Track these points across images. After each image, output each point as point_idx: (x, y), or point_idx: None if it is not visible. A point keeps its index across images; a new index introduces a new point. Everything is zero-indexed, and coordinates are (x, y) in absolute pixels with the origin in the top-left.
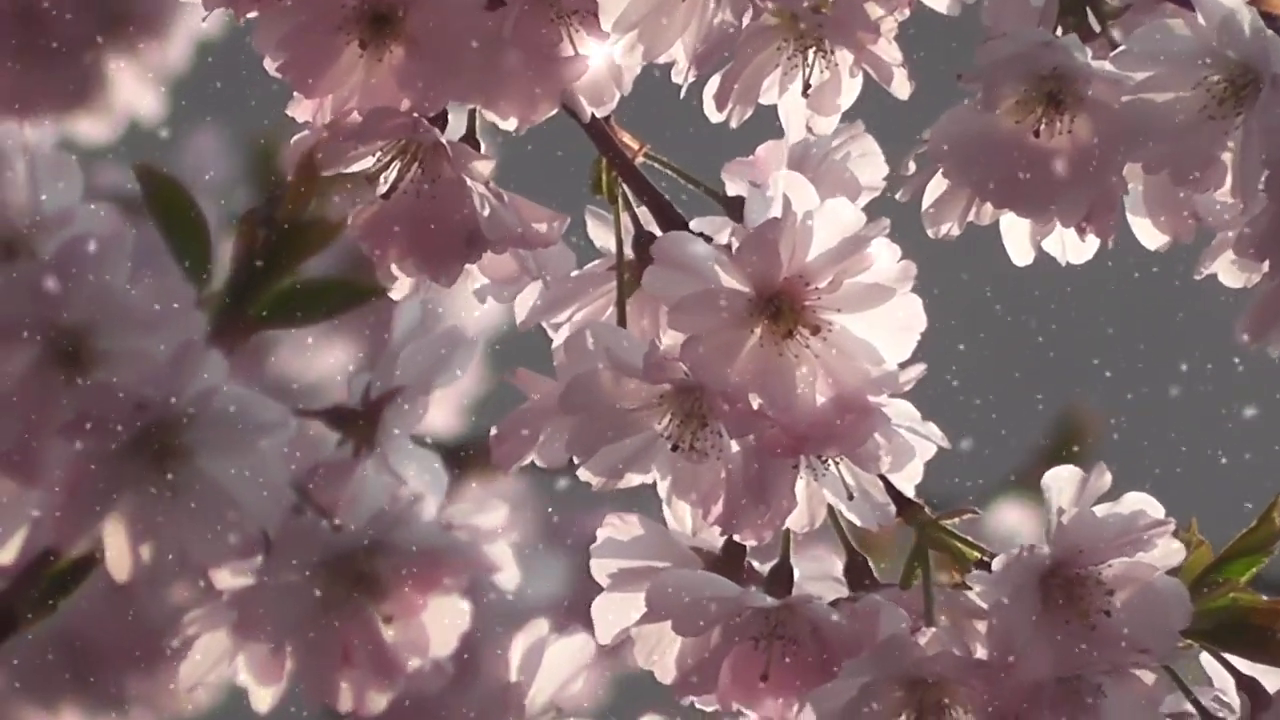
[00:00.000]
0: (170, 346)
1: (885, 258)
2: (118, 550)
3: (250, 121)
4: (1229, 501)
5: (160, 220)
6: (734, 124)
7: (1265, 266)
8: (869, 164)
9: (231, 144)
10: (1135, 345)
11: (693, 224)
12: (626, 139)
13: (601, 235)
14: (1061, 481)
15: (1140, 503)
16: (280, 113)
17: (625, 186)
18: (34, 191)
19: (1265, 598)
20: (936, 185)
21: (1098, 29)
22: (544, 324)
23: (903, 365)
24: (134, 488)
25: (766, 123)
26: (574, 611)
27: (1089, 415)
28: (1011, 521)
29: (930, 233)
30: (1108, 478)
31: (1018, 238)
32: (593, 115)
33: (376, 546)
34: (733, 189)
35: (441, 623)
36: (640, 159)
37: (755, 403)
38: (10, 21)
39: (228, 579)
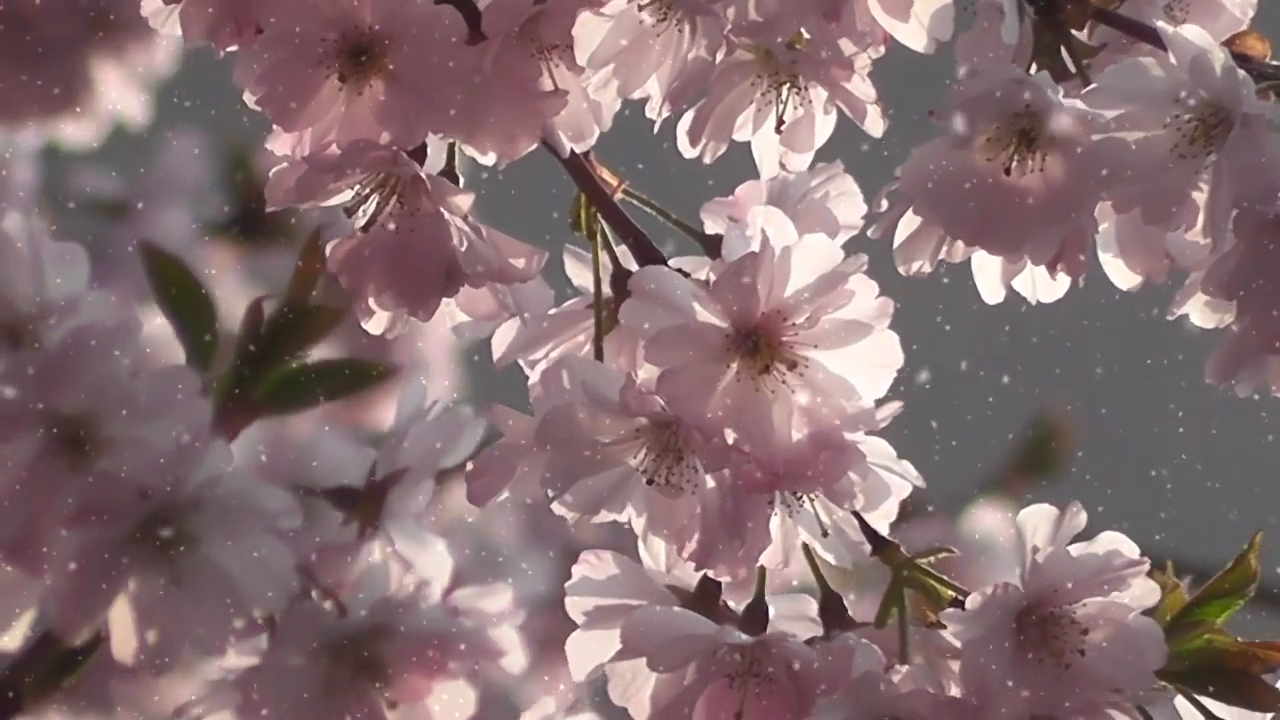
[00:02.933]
0: (175, 434)
1: (863, 294)
2: (123, 634)
3: (235, 124)
4: (1202, 505)
5: (167, 304)
6: (708, 160)
7: (1233, 306)
8: (847, 203)
9: (212, 149)
10: (1110, 349)
11: (671, 263)
12: (606, 175)
13: (580, 274)
14: (1036, 520)
15: (1115, 542)
16: (262, 119)
17: (604, 223)
18: (39, 278)
19: (1240, 640)
20: (908, 222)
21: (1073, 68)
22: (521, 361)
23: (879, 402)
24: (139, 574)
25: (748, 162)
26: (559, 609)
27: (1064, 419)
28: (987, 526)
29: (901, 270)
30: (1083, 517)
31: (989, 276)
32: (572, 151)
33: (381, 631)
34: (711, 228)
35: (446, 707)
36: (619, 195)
37: (731, 438)
38: None
39: (232, 659)
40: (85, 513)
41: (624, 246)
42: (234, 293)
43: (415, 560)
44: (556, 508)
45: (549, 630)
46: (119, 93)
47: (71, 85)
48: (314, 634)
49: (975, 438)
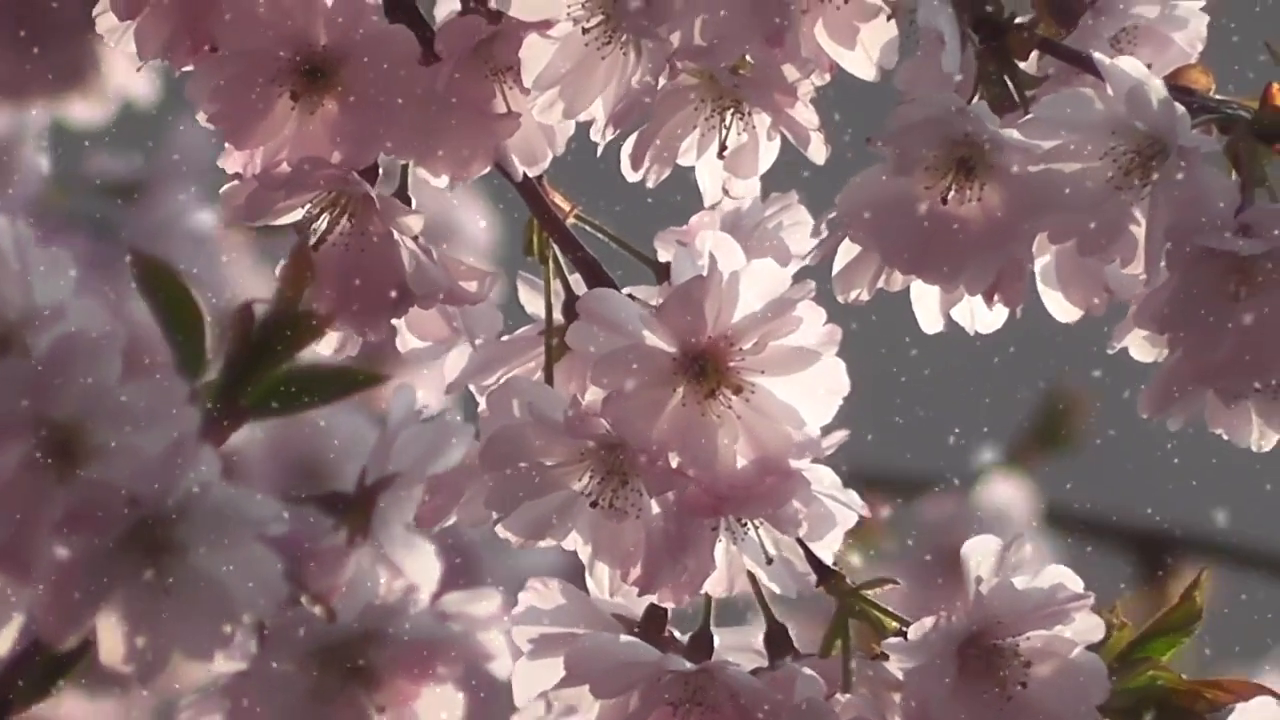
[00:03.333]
0: (163, 442)
1: (811, 321)
2: (110, 641)
3: None
4: (1213, 482)
5: (156, 309)
6: (651, 183)
7: (1165, 339)
8: (800, 232)
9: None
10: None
11: (624, 290)
12: (558, 199)
13: (532, 301)
14: (981, 552)
15: (1059, 576)
16: None
17: (556, 247)
18: (26, 286)
19: (1185, 677)
20: (847, 250)
21: (1017, 98)
22: (472, 387)
23: (825, 430)
24: (126, 582)
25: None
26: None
27: (1076, 393)
28: (999, 499)
29: (840, 298)
30: (1029, 549)
31: (927, 305)
32: (525, 175)
33: (370, 637)
34: (664, 256)
35: (435, 713)
36: (571, 221)
37: (675, 461)
38: (3, 3)
39: (221, 665)
40: (73, 520)
41: (577, 274)
42: (247, 272)
43: (404, 565)
44: (500, 531)
45: None
46: (127, 72)
47: (79, 64)
48: (303, 640)
49: (989, 412)
